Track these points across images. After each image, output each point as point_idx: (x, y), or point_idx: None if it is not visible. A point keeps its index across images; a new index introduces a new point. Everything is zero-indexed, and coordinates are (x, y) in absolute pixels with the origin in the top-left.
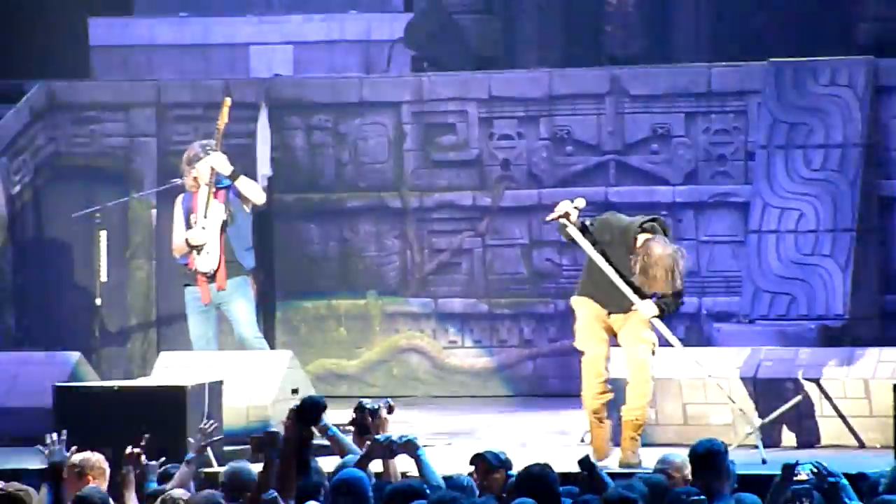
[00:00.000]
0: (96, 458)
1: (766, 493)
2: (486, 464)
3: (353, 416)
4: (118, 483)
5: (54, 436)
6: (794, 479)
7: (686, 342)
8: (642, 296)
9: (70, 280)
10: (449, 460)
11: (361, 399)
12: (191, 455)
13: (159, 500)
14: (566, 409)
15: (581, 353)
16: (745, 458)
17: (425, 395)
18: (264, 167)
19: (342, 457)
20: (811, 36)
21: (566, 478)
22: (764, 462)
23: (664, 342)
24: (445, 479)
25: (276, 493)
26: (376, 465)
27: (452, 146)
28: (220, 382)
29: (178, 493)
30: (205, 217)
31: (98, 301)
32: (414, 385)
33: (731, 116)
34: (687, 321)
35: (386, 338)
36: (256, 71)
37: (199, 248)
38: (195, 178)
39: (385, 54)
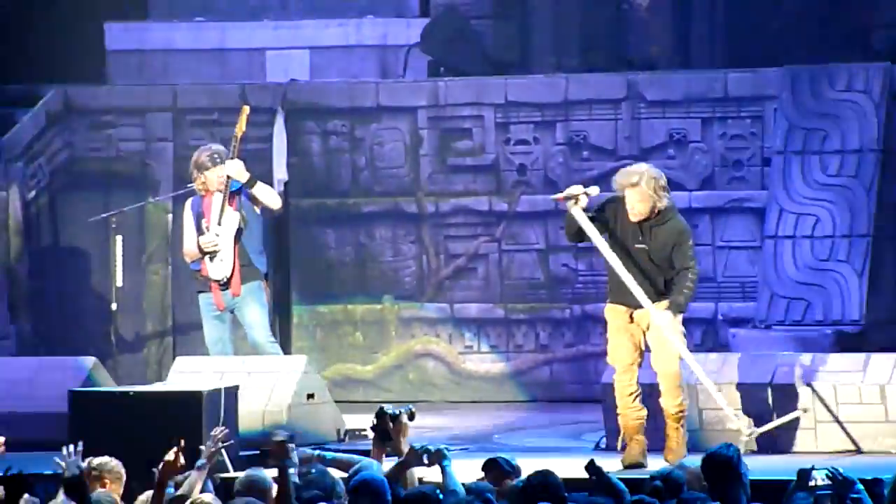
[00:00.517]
0: (114, 463)
1: (782, 498)
2: (499, 469)
3: (374, 421)
4: (133, 489)
5: (71, 447)
6: (810, 485)
7: (702, 347)
8: (657, 292)
9: (86, 285)
10: (465, 466)
11: (382, 405)
12: (202, 461)
13: (188, 503)
14: (582, 415)
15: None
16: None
17: (441, 401)
18: (280, 172)
19: (346, 471)
20: (827, 42)
21: (579, 484)
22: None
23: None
24: (466, 486)
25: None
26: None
27: (468, 151)
28: (236, 388)
29: (208, 497)
30: (219, 224)
31: (114, 306)
32: (430, 390)
33: (747, 122)
34: (703, 326)
35: (402, 343)
36: (273, 76)
37: (212, 255)
38: (203, 183)
39: (401, 59)
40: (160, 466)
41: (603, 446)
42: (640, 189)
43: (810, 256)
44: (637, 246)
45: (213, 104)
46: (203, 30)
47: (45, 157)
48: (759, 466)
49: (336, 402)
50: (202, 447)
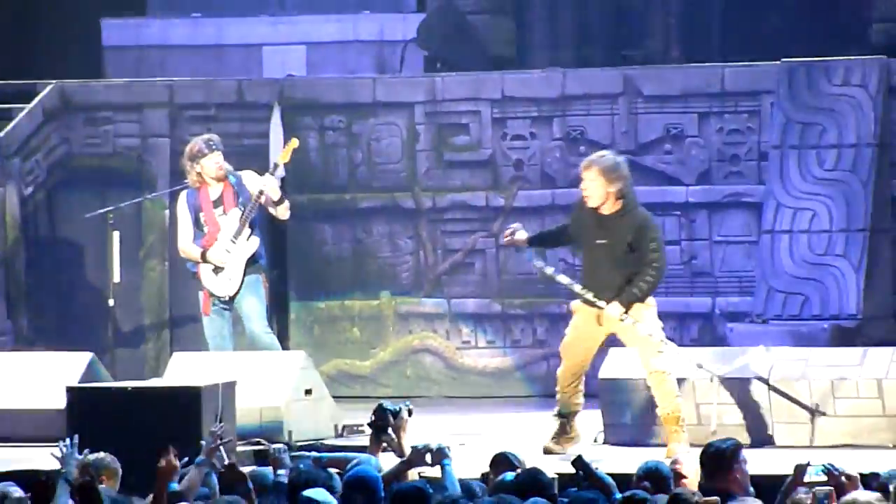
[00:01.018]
0: (109, 459)
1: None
2: (508, 464)
3: (373, 417)
4: (130, 484)
5: (67, 441)
6: (805, 480)
7: (699, 342)
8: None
9: (83, 281)
10: (463, 461)
11: (382, 401)
12: (201, 458)
13: None
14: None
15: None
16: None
17: (439, 396)
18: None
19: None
20: (824, 36)
21: (572, 479)
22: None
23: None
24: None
25: None
26: (385, 463)
27: (465, 146)
28: (234, 383)
29: None
30: (233, 241)
31: (111, 302)
32: (427, 385)
33: (744, 116)
34: (700, 321)
35: (399, 338)
36: (269, 71)
37: (217, 269)
38: (199, 174)
39: (398, 55)
40: (157, 473)
41: (600, 442)
42: (591, 172)
43: (807, 251)
44: (598, 242)
45: (210, 100)
46: (200, 26)
47: (42, 154)
48: (756, 461)
49: (334, 397)
50: (202, 442)
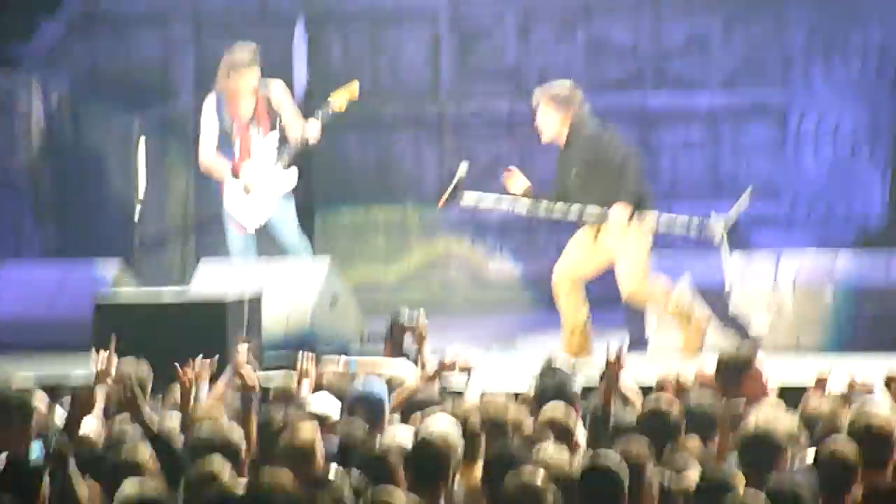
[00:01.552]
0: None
1: None
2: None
3: (389, 328)
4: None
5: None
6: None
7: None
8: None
9: (109, 190)
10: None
11: (397, 311)
12: (228, 374)
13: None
14: (605, 316)
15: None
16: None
17: (463, 302)
18: (301, 79)
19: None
20: None
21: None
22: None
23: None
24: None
25: None
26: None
27: (489, 54)
28: (260, 295)
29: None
30: (275, 166)
31: (137, 208)
32: (452, 294)
33: (769, 21)
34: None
35: (424, 247)
36: None
37: (247, 189)
38: (236, 83)
39: None
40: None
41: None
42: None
43: (832, 156)
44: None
45: (233, 9)
46: None
47: (67, 65)
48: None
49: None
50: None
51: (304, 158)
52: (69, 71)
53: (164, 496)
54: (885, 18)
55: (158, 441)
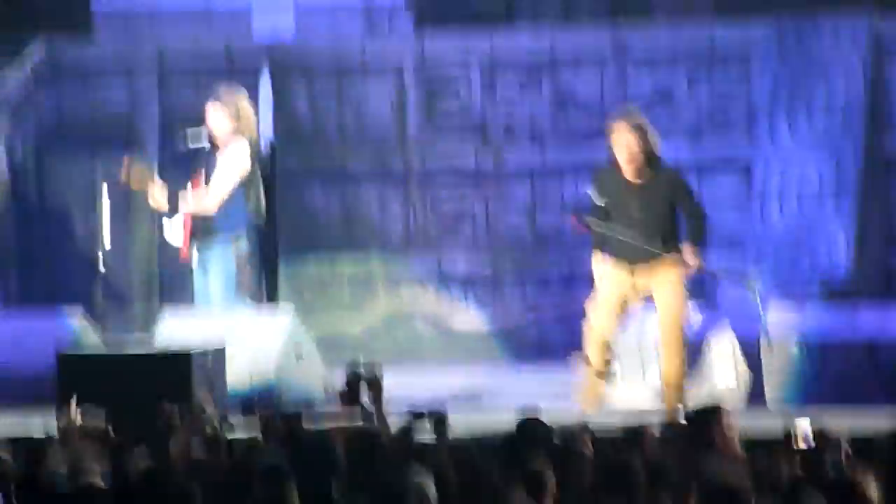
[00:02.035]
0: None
1: None
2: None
3: (346, 383)
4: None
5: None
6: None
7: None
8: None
9: (73, 241)
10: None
11: (352, 365)
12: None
13: None
14: (571, 374)
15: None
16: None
17: (429, 359)
18: (267, 132)
19: None
20: None
21: None
22: None
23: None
24: None
25: None
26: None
27: (455, 109)
28: (223, 348)
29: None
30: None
31: (101, 258)
32: (418, 349)
33: (733, 76)
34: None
35: (389, 301)
36: (259, 36)
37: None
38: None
39: (386, 18)
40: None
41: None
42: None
43: (797, 212)
44: (636, 216)
45: (198, 65)
46: None
47: (32, 115)
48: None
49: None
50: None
51: (269, 207)
52: (34, 120)
53: None
54: (850, 73)
55: None
